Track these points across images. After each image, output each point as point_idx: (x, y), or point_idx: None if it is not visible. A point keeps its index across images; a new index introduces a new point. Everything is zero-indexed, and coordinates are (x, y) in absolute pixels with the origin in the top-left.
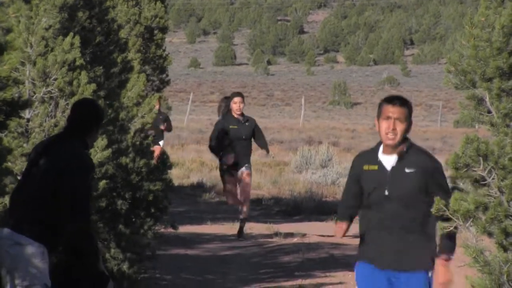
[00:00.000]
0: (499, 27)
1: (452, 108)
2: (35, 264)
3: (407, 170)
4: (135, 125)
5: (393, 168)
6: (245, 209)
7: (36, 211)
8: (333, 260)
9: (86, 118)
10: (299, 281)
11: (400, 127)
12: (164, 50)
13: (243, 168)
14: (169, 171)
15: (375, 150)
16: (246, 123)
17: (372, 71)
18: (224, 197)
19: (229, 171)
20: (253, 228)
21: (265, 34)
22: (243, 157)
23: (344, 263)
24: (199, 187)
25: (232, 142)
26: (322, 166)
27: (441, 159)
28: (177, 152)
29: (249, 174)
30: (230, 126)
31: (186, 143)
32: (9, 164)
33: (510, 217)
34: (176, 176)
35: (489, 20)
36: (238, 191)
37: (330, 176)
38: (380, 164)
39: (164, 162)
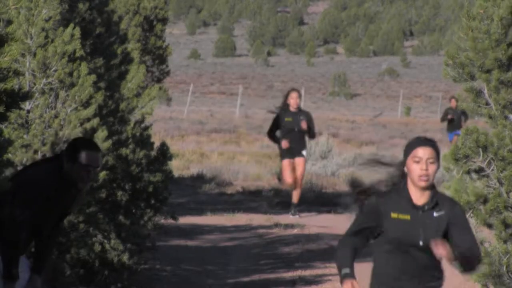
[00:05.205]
0: (497, 19)
1: None
2: None
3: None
4: (135, 116)
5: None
6: None
7: None
8: (333, 251)
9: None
10: (299, 272)
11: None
12: (164, 41)
13: None
14: (169, 162)
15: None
16: None
17: (372, 62)
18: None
19: None
20: (253, 219)
21: (265, 25)
22: None
23: None
24: (199, 178)
25: None
26: (322, 157)
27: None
28: (177, 143)
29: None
30: None
31: (186, 134)
32: (10, 155)
33: (510, 208)
34: (176, 167)
35: (488, 12)
36: None
37: (330, 167)
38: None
39: (164, 153)
